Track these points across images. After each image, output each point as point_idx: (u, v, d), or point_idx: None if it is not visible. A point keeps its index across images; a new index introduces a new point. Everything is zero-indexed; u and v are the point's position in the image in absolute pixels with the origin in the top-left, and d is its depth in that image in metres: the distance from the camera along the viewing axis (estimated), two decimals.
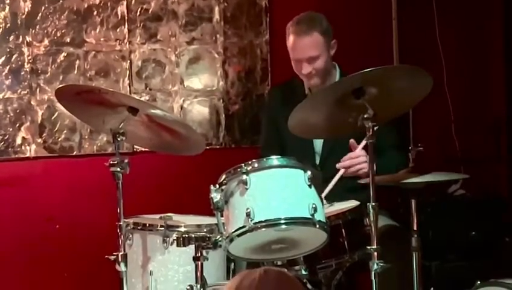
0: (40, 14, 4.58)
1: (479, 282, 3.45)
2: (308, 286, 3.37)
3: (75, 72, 4.63)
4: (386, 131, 3.58)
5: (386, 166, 3.60)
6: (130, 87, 4.70)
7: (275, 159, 3.13)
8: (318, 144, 4.02)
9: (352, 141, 3.63)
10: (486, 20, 5.00)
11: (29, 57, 4.57)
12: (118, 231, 3.41)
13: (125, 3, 4.68)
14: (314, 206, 3.02)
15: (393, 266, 3.16)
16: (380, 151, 3.48)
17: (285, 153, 3.76)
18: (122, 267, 3.38)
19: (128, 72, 4.70)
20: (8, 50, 4.54)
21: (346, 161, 3.63)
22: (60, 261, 4.58)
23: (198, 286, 3.17)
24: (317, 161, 3.98)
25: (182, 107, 4.77)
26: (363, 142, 3.52)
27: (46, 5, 4.58)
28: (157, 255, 3.56)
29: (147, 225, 3.61)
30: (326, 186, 3.52)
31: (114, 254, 3.40)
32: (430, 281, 3.67)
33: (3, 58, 4.53)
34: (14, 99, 4.56)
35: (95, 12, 4.65)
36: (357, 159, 3.60)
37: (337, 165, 3.63)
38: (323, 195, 3.41)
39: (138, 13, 4.71)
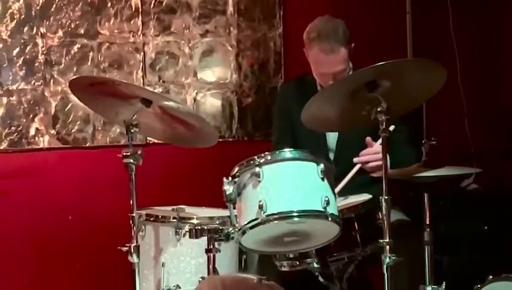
0: (54, 6, 4.59)
1: (491, 277, 3.45)
2: (320, 279, 3.38)
3: (89, 63, 4.64)
4: (396, 126, 3.57)
5: (399, 160, 3.59)
6: (143, 79, 4.71)
7: (287, 152, 3.13)
8: (332, 139, 4.01)
9: (368, 138, 3.62)
10: (500, 15, 4.98)
11: (43, 49, 4.59)
12: (131, 222, 3.42)
13: None
14: (326, 199, 3.02)
15: (405, 260, 3.16)
16: (393, 146, 3.47)
17: (297, 147, 3.75)
18: (134, 259, 3.39)
19: (141, 64, 4.71)
20: (22, 41, 4.56)
21: (364, 156, 3.61)
22: (73, 252, 4.60)
23: None
24: (331, 157, 3.97)
25: (195, 100, 4.78)
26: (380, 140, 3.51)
27: None
28: (170, 246, 3.57)
29: (160, 216, 3.62)
30: (339, 182, 3.52)
31: (126, 245, 3.41)
32: (442, 275, 3.65)
33: (17, 49, 4.55)
34: (28, 91, 4.58)
35: (109, 4, 4.66)
36: (375, 155, 3.57)
37: (355, 160, 3.62)
38: (337, 190, 3.41)
39: (152, 5, 4.72)
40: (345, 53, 3.83)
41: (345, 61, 3.84)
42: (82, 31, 4.64)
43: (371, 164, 3.59)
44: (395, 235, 3.15)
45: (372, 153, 3.59)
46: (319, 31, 3.83)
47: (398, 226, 3.52)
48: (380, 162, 3.53)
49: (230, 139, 4.83)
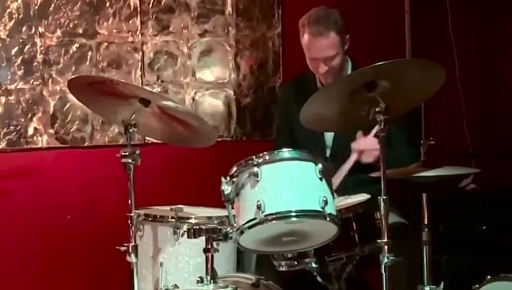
0: (52, 5, 4.59)
1: (489, 277, 3.45)
2: (318, 278, 3.38)
3: (88, 63, 4.65)
4: (397, 125, 3.57)
5: (398, 160, 3.59)
6: (142, 78, 4.71)
7: (286, 152, 3.13)
8: (329, 138, 4.02)
9: (359, 133, 3.64)
10: (499, 14, 4.98)
11: (42, 48, 4.59)
12: (129, 222, 3.41)
13: None
14: (325, 199, 3.02)
15: (403, 258, 3.15)
16: (391, 146, 3.48)
17: (296, 146, 3.76)
18: (132, 259, 3.38)
19: (140, 63, 4.71)
20: (21, 41, 4.56)
21: (360, 143, 3.63)
22: (71, 251, 4.60)
23: (209, 277, 3.17)
24: (328, 155, 3.98)
25: (193, 99, 4.78)
26: (374, 130, 3.52)
27: None
28: (168, 246, 3.57)
29: (158, 216, 3.62)
30: (336, 179, 3.52)
31: (125, 244, 3.39)
32: (440, 275, 3.66)
33: (15, 49, 4.55)
34: (26, 90, 4.58)
35: (108, 4, 4.66)
36: (369, 141, 3.60)
37: (352, 144, 3.65)
38: (337, 181, 3.43)
39: (151, 5, 4.72)
40: (336, 39, 3.85)
41: (334, 47, 3.85)
42: (80, 31, 4.64)
43: (367, 152, 3.62)
44: (393, 237, 3.15)
45: (366, 141, 3.63)
46: (310, 16, 3.88)
47: (395, 229, 3.51)
48: (375, 152, 3.56)
49: (229, 139, 4.84)
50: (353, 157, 3.67)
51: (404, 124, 3.79)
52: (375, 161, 3.65)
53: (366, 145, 3.65)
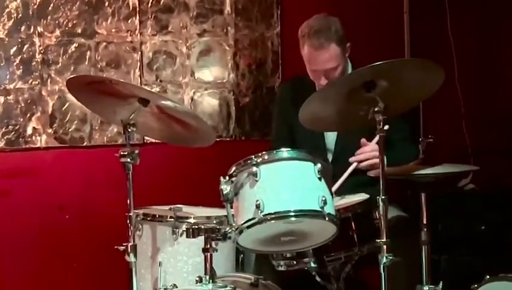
0: (51, 5, 4.59)
1: (488, 276, 3.45)
2: (317, 278, 3.38)
3: (86, 63, 4.64)
4: (397, 124, 3.57)
5: (397, 158, 3.59)
6: (140, 78, 4.71)
7: (285, 152, 3.12)
8: (330, 140, 4.00)
9: (363, 139, 3.61)
10: (498, 14, 4.98)
11: (41, 48, 4.59)
12: (128, 221, 3.41)
13: None
14: (324, 198, 3.02)
15: (402, 257, 3.15)
16: (391, 144, 3.48)
17: (295, 146, 3.75)
18: (131, 258, 3.38)
19: (139, 63, 4.71)
20: (20, 40, 4.56)
21: (360, 155, 3.60)
22: (70, 251, 4.60)
23: (207, 277, 3.17)
24: (330, 157, 3.95)
25: (192, 99, 4.78)
26: (377, 138, 3.50)
27: None
28: (167, 246, 3.57)
29: (157, 216, 3.62)
30: (337, 181, 3.51)
31: (124, 244, 3.39)
32: (439, 275, 3.66)
33: (14, 48, 4.55)
34: (25, 90, 4.58)
35: (107, 3, 4.66)
36: (371, 153, 3.56)
37: (350, 159, 3.61)
38: (334, 188, 3.41)
39: (149, 4, 4.72)
40: (336, 50, 3.81)
41: (335, 59, 3.81)
42: (79, 30, 4.64)
43: (366, 162, 3.58)
44: (393, 232, 3.14)
45: (368, 151, 3.58)
46: (310, 27, 3.83)
47: (395, 223, 3.51)
48: (375, 160, 3.53)
49: (228, 139, 4.83)
50: (352, 167, 3.62)
51: (403, 122, 3.78)
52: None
53: (367, 156, 3.60)
